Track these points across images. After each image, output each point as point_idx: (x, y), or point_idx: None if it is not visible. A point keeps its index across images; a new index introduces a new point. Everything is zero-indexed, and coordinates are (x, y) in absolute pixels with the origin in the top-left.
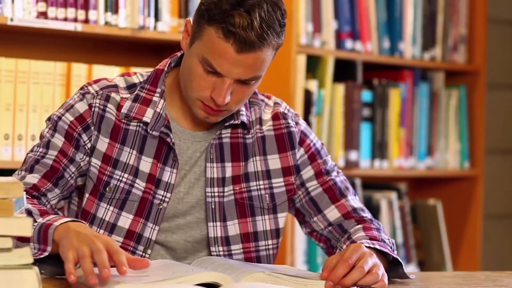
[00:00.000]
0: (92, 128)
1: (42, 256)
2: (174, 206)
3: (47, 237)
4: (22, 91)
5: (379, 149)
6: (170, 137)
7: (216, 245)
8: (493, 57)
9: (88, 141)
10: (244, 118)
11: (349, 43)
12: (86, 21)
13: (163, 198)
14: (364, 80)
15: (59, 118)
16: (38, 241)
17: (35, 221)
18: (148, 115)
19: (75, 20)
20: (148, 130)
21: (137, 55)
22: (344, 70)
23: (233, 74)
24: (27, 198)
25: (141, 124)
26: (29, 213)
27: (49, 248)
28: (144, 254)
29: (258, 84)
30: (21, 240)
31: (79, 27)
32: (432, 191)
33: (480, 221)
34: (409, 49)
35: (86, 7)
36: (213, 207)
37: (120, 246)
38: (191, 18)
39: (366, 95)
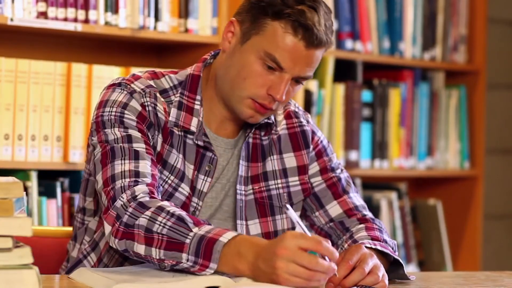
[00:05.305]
0: (153, 128)
1: (202, 273)
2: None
3: (211, 253)
4: (22, 91)
5: (379, 149)
6: (212, 147)
7: None
8: (493, 57)
9: (152, 138)
10: (273, 118)
11: (349, 43)
12: (86, 21)
13: (197, 206)
14: (364, 80)
15: (121, 116)
16: (196, 254)
17: (189, 229)
18: (194, 125)
19: (75, 20)
20: (194, 140)
21: (137, 55)
22: (344, 70)
23: (294, 70)
24: (151, 197)
25: (181, 130)
26: (179, 218)
27: (213, 265)
28: None
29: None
30: (140, 257)
31: (79, 27)
32: (432, 191)
33: (480, 221)
34: (409, 49)
35: (86, 7)
36: (241, 205)
37: None
38: (234, 18)
39: (366, 95)
